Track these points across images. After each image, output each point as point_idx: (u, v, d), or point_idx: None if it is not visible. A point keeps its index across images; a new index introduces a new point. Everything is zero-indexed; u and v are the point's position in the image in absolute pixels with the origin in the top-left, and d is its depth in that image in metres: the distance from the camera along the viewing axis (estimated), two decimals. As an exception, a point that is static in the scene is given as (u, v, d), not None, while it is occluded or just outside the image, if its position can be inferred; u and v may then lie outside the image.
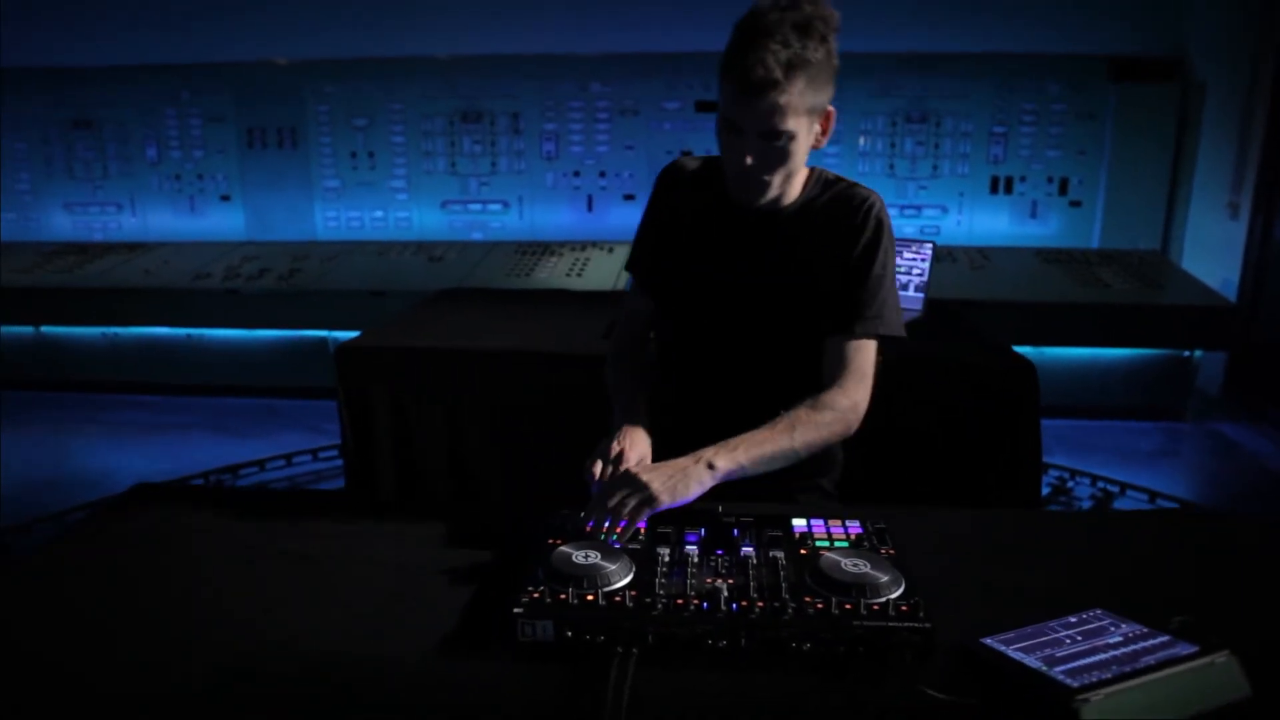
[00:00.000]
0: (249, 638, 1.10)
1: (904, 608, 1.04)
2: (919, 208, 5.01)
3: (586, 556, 1.15)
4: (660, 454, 1.43)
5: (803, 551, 1.20)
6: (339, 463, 3.76)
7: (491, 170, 5.22)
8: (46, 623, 1.15)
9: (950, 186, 4.97)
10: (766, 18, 1.33)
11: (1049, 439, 2.46)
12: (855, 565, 1.11)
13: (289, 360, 4.83)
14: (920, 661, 1.01)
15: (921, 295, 2.90)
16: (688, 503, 1.31)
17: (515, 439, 2.48)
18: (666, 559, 1.17)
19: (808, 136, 1.42)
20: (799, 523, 1.29)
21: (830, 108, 1.43)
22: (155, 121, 5.32)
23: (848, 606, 1.04)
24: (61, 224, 5.51)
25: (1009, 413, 2.36)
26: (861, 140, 4.97)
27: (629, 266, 1.72)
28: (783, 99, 1.33)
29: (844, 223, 1.51)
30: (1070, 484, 3.66)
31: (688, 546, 1.21)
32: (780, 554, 1.18)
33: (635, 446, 1.43)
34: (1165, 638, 1.00)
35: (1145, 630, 1.02)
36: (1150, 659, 0.96)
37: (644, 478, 1.29)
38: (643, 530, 1.27)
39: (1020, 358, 2.41)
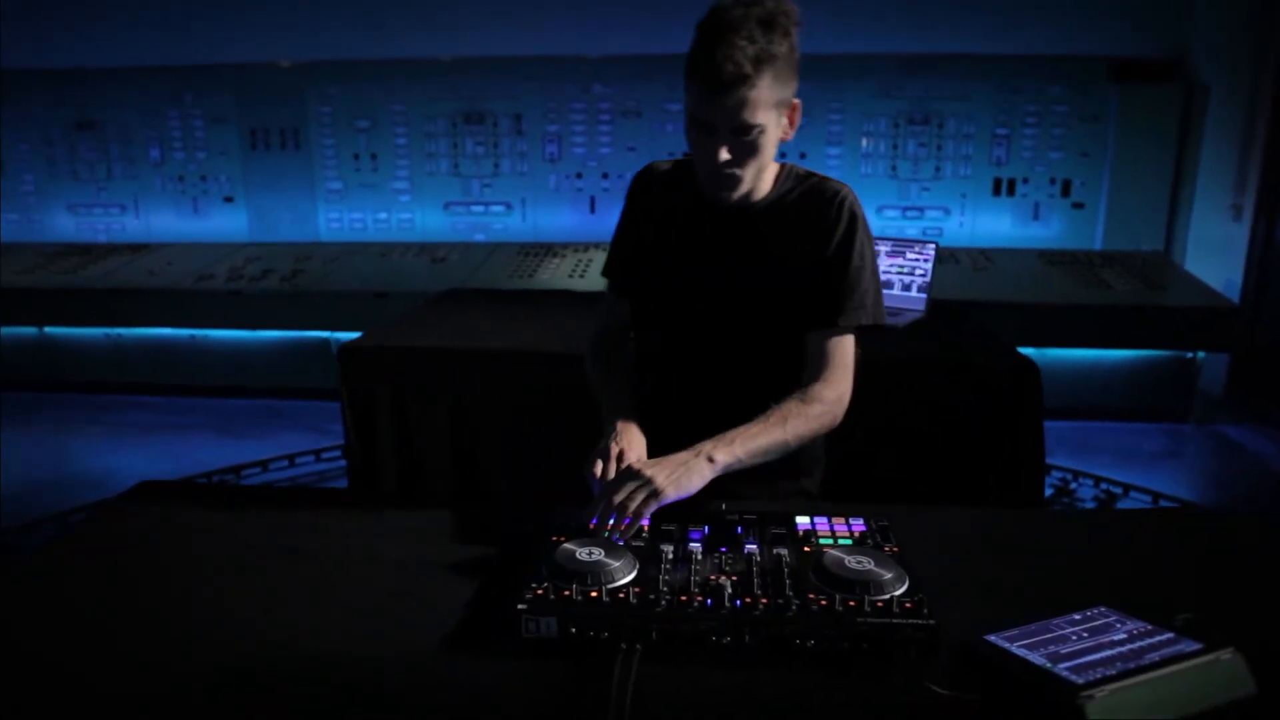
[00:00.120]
0: (251, 636, 1.10)
1: (908, 605, 1.04)
2: (921, 209, 5.01)
3: (590, 553, 1.15)
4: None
5: (806, 549, 1.20)
6: (342, 463, 3.77)
7: (494, 172, 5.22)
8: (46, 623, 1.14)
9: (952, 188, 4.97)
10: (730, 14, 1.35)
11: (1051, 440, 2.45)
12: (859, 562, 1.11)
13: (292, 361, 4.84)
14: (924, 658, 1.01)
15: (924, 296, 2.90)
16: (689, 495, 1.32)
17: (518, 439, 2.49)
18: (670, 556, 1.17)
19: (776, 129, 1.44)
20: (803, 520, 1.29)
21: (796, 100, 1.46)
22: (158, 123, 5.33)
23: (852, 603, 1.04)
24: (65, 225, 5.52)
25: (1012, 413, 2.36)
26: (864, 142, 4.97)
27: (605, 273, 1.73)
28: (753, 94, 1.35)
29: (817, 217, 1.53)
30: (1073, 485, 3.66)
31: (691, 544, 1.21)
32: (784, 551, 1.18)
33: (633, 445, 1.44)
34: (1169, 635, 1.00)
35: (1149, 628, 1.02)
36: (1154, 656, 0.95)
37: (648, 472, 1.30)
38: (645, 528, 1.27)
39: (1023, 358, 2.41)
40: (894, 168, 4.97)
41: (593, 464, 1.39)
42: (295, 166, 5.29)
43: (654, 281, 1.62)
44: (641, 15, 4.99)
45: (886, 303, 2.88)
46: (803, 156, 4.99)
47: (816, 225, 1.52)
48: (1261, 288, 4.44)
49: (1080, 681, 0.91)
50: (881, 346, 2.61)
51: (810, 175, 1.58)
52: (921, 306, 2.89)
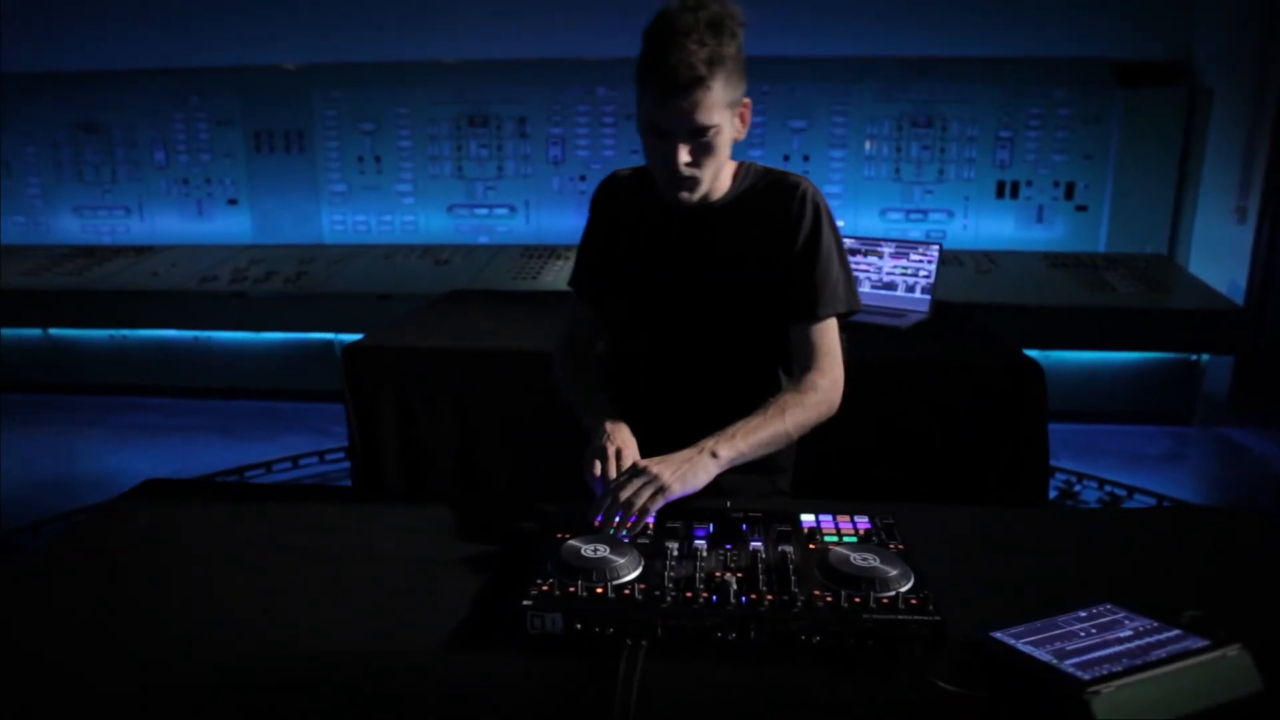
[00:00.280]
0: (254, 634, 1.10)
1: (913, 601, 1.04)
2: (925, 212, 5.01)
3: (595, 550, 1.15)
4: None
5: (811, 546, 1.20)
6: (345, 465, 3.77)
7: (498, 174, 5.23)
8: (47, 622, 1.14)
9: (956, 191, 4.97)
10: (680, 19, 1.36)
11: (1055, 443, 2.45)
12: (864, 559, 1.11)
13: (295, 363, 4.84)
14: (930, 655, 1.01)
15: (928, 297, 2.90)
16: (695, 491, 1.32)
17: (521, 438, 2.49)
18: (675, 553, 1.17)
19: (730, 129, 1.46)
20: (807, 518, 1.29)
21: (746, 99, 1.48)
22: (163, 125, 5.34)
23: (857, 600, 1.04)
24: (70, 227, 5.54)
25: (1016, 413, 2.36)
26: (867, 144, 4.97)
27: (571, 282, 1.74)
28: (707, 95, 1.38)
29: (781, 213, 1.54)
30: (1077, 488, 3.65)
31: (696, 541, 1.21)
32: (789, 548, 1.18)
33: (627, 443, 1.44)
34: (1176, 632, 1.00)
35: (1156, 624, 1.02)
36: (1161, 652, 0.95)
37: (653, 469, 1.31)
38: (651, 526, 1.27)
39: (1027, 358, 2.41)
40: (897, 170, 4.98)
41: (592, 465, 1.40)
42: (299, 169, 5.30)
43: (621, 288, 1.64)
44: (644, 18, 4.96)
45: (890, 304, 2.92)
46: (806, 159, 5.00)
47: (781, 221, 1.54)
48: (1265, 290, 4.44)
49: (1087, 678, 0.91)
50: (885, 347, 2.62)
51: (769, 171, 1.60)
52: (925, 308, 2.89)
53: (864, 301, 2.94)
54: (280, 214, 5.38)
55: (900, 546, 1.19)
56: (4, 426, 4.29)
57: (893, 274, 2.97)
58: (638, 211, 1.62)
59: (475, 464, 2.54)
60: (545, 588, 1.08)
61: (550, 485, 2.30)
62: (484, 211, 5.29)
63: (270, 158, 5.31)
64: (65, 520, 3.29)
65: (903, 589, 1.06)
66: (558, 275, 4.67)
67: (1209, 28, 4.69)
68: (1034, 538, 1.39)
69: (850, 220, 5.03)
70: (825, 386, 1.51)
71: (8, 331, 5.01)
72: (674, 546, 1.19)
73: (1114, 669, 0.92)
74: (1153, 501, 3.48)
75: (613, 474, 1.36)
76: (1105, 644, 0.98)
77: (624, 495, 1.27)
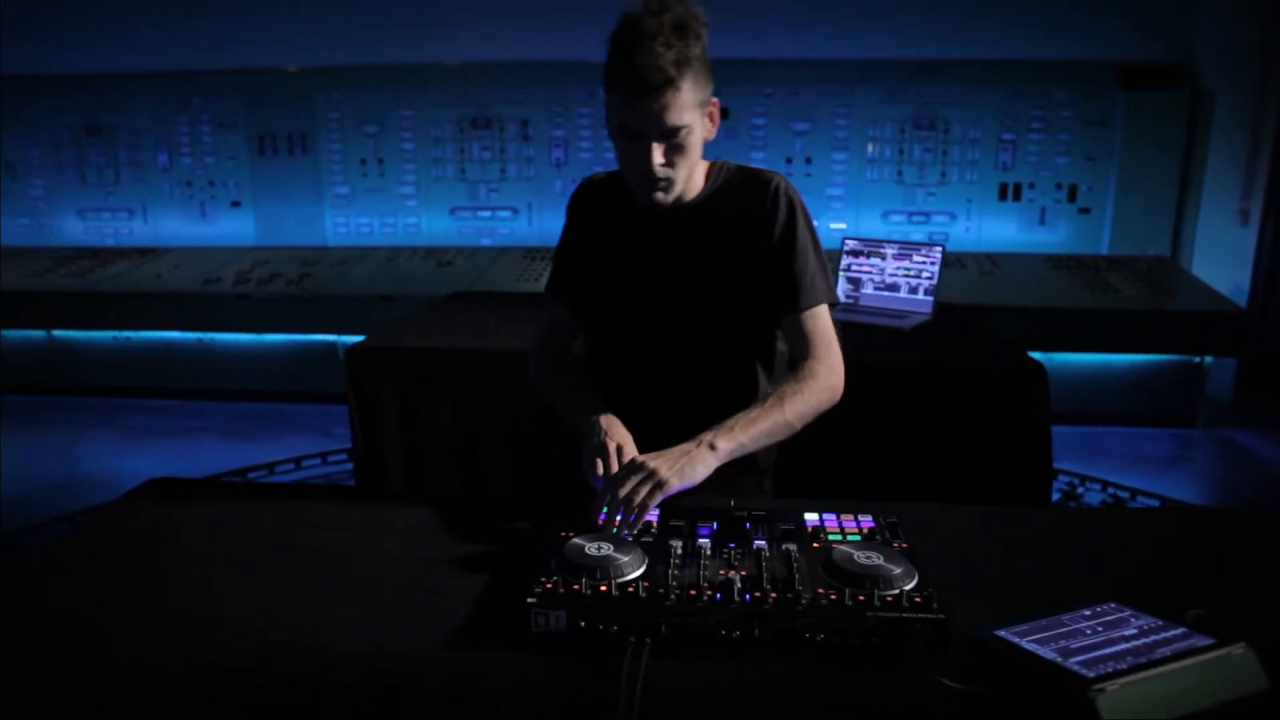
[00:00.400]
0: (258, 633, 1.09)
1: (918, 599, 1.04)
2: (927, 214, 5.01)
3: (599, 548, 1.15)
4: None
5: (815, 545, 1.20)
6: (348, 466, 3.77)
7: (501, 177, 5.24)
8: (49, 621, 1.14)
9: (959, 193, 4.97)
10: (645, 23, 1.37)
11: (1058, 445, 2.45)
12: (868, 557, 1.11)
13: (299, 365, 4.85)
14: (934, 653, 1.01)
15: (931, 299, 2.90)
16: (694, 485, 1.33)
17: (523, 439, 2.49)
18: (679, 551, 1.17)
19: (701, 129, 1.48)
20: (811, 517, 1.29)
21: (714, 99, 1.49)
22: (167, 128, 5.36)
23: (861, 598, 1.04)
24: (74, 229, 5.55)
25: (1019, 415, 2.35)
26: (870, 147, 4.97)
27: (548, 288, 1.75)
28: (677, 96, 1.39)
29: (754, 208, 1.55)
30: (1081, 490, 3.65)
31: (700, 539, 1.21)
32: (793, 547, 1.18)
33: (626, 439, 1.44)
34: (1181, 630, 1.00)
35: (1161, 623, 1.02)
36: (1166, 651, 0.95)
37: (651, 464, 1.31)
38: (655, 524, 1.27)
39: (1029, 359, 2.41)
40: (900, 173, 4.98)
41: (593, 463, 1.40)
42: (303, 171, 5.32)
43: (598, 291, 1.65)
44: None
45: (893, 306, 2.92)
46: (808, 161, 5.00)
47: (755, 216, 1.55)
48: (1269, 292, 4.43)
49: (1091, 676, 0.90)
50: (888, 348, 2.62)
51: (742, 169, 1.61)
52: (928, 309, 2.89)
53: (866, 303, 2.99)
54: (283, 216, 5.39)
55: (904, 545, 1.19)
56: (7, 428, 4.30)
57: (895, 275, 2.97)
58: (613, 214, 1.63)
59: (477, 464, 2.54)
60: (549, 586, 1.08)
61: (552, 485, 2.31)
62: (487, 214, 5.30)
63: (273, 160, 5.32)
64: (68, 521, 3.30)
65: (907, 587, 1.06)
66: (560, 277, 4.67)
67: (1211, 30, 4.69)
68: (1038, 537, 1.38)
69: (852, 223, 5.04)
70: (823, 373, 1.51)
71: (11, 333, 5.02)
72: (678, 545, 1.19)
73: (1119, 667, 0.92)
74: (1156, 504, 3.48)
75: (615, 470, 1.36)
76: (1110, 642, 0.98)
77: (622, 493, 1.27)
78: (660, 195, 1.50)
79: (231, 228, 5.44)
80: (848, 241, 3.10)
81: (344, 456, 3.91)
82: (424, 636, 1.07)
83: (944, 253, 2.93)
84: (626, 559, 1.12)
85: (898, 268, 2.97)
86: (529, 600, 1.05)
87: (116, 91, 5.33)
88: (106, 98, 5.35)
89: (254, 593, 1.19)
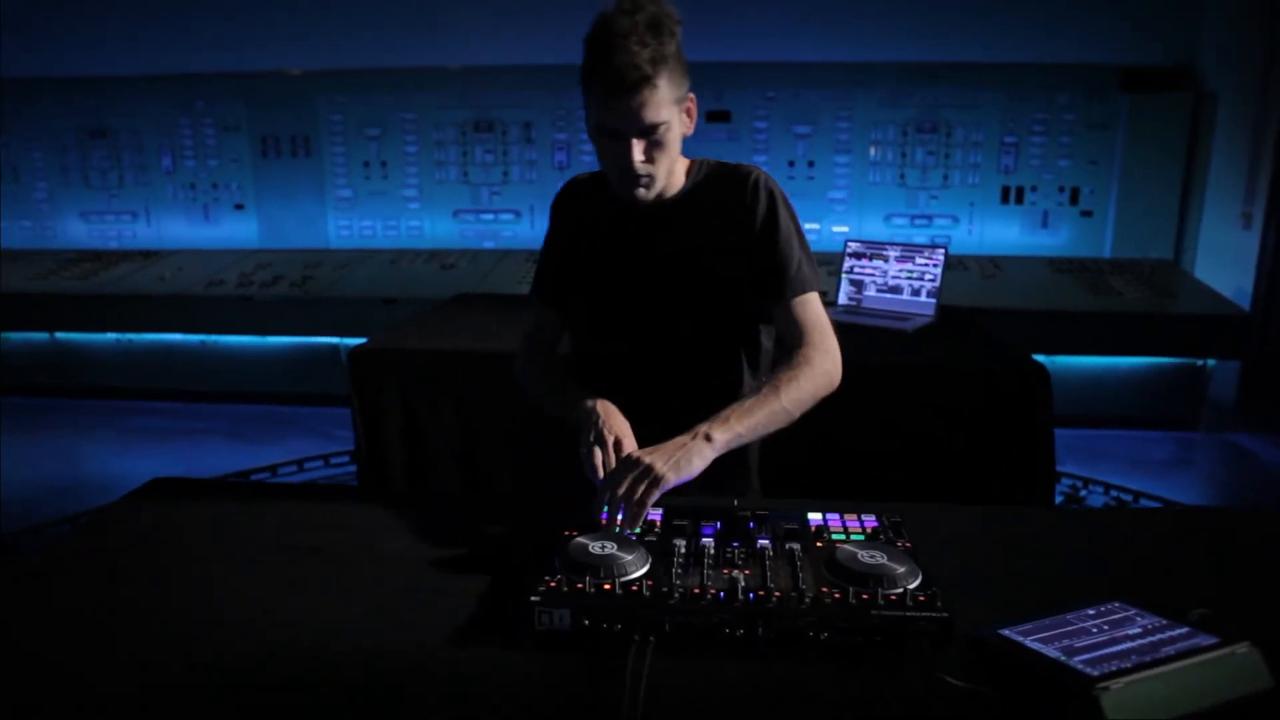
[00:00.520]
0: (259, 632, 1.09)
1: (921, 598, 1.04)
2: (930, 217, 5.01)
3: (603, 547, 1.15)
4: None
5: (819, 544, 1.20)
6: (351, 469, 3.78)
7: (503, 180, 5.25)
8: (48, 622, 1.14)
9: (961, 196, 4.97)
10: (619, 23, 1.38)
11: (1061, 448, 2.45)
12: (872, 556, 1.11)
13: (301, 367, 4.86)
14: (938, 651, 1.01)
15: (934, 301, 2.90)
16: (692, 478, 1.32)
17: (525, 440, 2.49)
18: (683, 551, 1.17)
19: (679, 125, 1.49)
20: (814, 516, 1.29)
21: (691, 95, 1.51)
22: (170, 131, 5.37)
23: (865, 597, 1.04)
24: (77, 232, 5.56)
25: (1022, 417, 2.35)
26: (872, 150, 4.98)
27: (533, 289, 1.75)
28: (655, 94, 1.40)
29: (734, 201, 1.56)
30: (1083, 493, 3.64)
31: (704, 539, 1.21)
32: (796, 546, 1.18)
33: (624, 430, 1.44)
34: (1185, 629, 0.99)
35: (1165, 622, 1.02)
36: (1170, 649, 0.95)
37: (647, 460, 1.30)
38: (658, 524, 1.27)
39: (1032, 362, 2.41)
40: (902, 176, 4.98)
41: (591, 454, 1.39)
42: (305, 174, 5.33)
43: (582, 290, 1.65)
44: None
45: (895, 308, 2.92)
46: (811, 164, 5.01)
47: (736, 209, 1.55)
48: (1272, 295, 4.43)
49: (1096, 674, 0.90)
50: (890, 350, 2.62)
51: (722, 164, 1.62)
52: (930, 312, 2.89)
53: (869, 305, 2.98)
54: (286, 219, 5.40)
55: (907, 545, 1.19)
56: (10, 430, 4.30)
57: (898, 278, 2.97)
58: (596, 214, 1.63)
59: (479, 466, 2.54)
60: (553, 584, 1.08)
61: (553, 486, 2.32)
62: (489, 217, 5.31)
63: (276, 163, 5.33)
64: (70, 523, 3.30)
65: (910, 586, 1.06)
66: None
67: (1214, 33, 4.69)
68: (1041, 537, 1.38)
69: (854, 226, 5.04)
70: (817, 359, 1.50)
71: (15, 335, 5.03)
72: (681, 544, 1.19)
73: (1123, 666, 0.92)
74: (1159, 506, 3.47)
75: (613, 463, 1.36)
76: (1114, 641, 0.98)
77: (620, 491, 1.27)
78: (642, 192, 1.51)
79: (234, 230, 5.45)
80: (850, 244, 3.10)
81: (346, 459, 3.92)
82: (427, 635, 1.07)
83: (946, 255, 2.93)
84: (630, 558, 1.13)
85: (900, 270, 2.97)
86: (533, 599, 1.05)
87: (120, 94, 5.35)
88: (110, 101, 5.36)
89: (255, 593, 1.19)
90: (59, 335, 5.03)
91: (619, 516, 1.25)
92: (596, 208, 1.63)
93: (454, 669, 1.01)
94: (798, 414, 1.47)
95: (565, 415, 1.55)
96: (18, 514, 3.41)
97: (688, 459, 1.32)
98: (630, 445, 1.41)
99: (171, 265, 5.11)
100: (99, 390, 4.98)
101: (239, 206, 5.42)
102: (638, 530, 1.25)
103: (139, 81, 5.32)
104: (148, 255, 5.32)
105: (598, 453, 1.38)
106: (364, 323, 4.30)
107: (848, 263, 3.08)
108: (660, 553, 1.17)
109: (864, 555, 1.11)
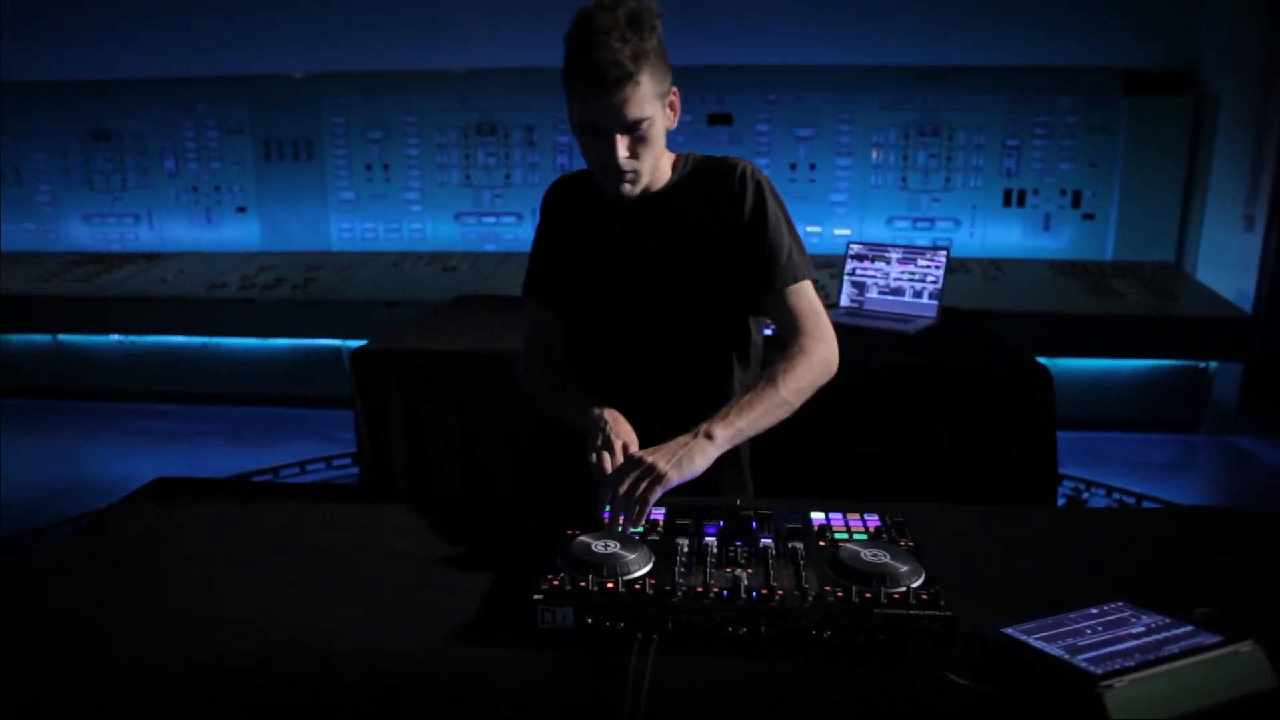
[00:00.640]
0: (262, 631, 1.09)
1: (924, 596, 1.04)
2: (932, 220, 5.01)
3: (606, 546, 1.15)
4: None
5: (821, 543, 1.20)
6: (353, 471, 3.78)
7: (505, 182, 5.26)
8: (50, 622, 1.13)
9: (963, 199, 4.98)
10: (599, 20, 1.38)
11: (1063, 451, 2.45)
12: (875, 555, 1.11)
13: (303, 369, 4.86)
14: (941, 650, 1.01)
15: (936, 303, 2.90)
16: (694, 477, 1.33)
17: (527, 441, 2.49)
18: (685, 549, 1.17)
19: (663, 120, 1.48)
20: (817, 516, 1.29)
21: (674, 89, 1.49)
22: (172, 133, 5.39)
23: (868, 595, 1.04)
24: (80, 234, 5.57)
25: (1024, 419, 2.35)
26: (874, 153, 4.98)
27: (525, 289, 1.75)
28: (637, 90, 1.40)
29: (721, 193, 1.55)
30: (1085, 495, 3.64)
31: (706, 538, 1.21)
32: (799, 545, 1.18)
33: (630, 435, 1.44)
34: (1188, 628, 0.99)
35: (1168, 621, 1.01)
36: (1174, 648, 0.95)
37: (649, 459, 1.30)
38: (661, 523, 1.27)
39: (1035, 364, 2.41)
40: (904, 179, 4.99)
41: (599, 458, 1.39)
42: (308, 177, 5.34)
43: (572, 287, 1.65)
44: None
45: (897, 310, 2.92)
46: (813, 167, 5.01)
47: (723, 200, 1.55)
48: (1274, 297, 4.43)
49: (1099, 672, 0.90)
50: (892, 352, 2.62)
51: (708, 158, 1.61)
52: (933, 313, 2.89)
53: (871, 307, 2.98)
54: (289, 221, 5.41)
55: (910, 544, 1.19)
56: (13, 431, 4.31)
57: (900, 279, 2.97)
58: (583, 211, 1.63)
59: (481, 467, 2.54)
60: (556, 583, 1.08)
61: (555, 487, 2.32)
62: (491, 219, 5.31)
63: (279, 165, 5.34)
64: (72, 525, 3.30)
65: (914, 584, 1.06)
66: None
67: (1215, 35, 4.69)
68: (1043, 537, 1.38)
69: (856, 229, 5.04)
70: (813, 347, 1.50)
71: (17, 337, 5.04)
72: (684, 543, 1.19)
73: (1126, 664, 0.92)
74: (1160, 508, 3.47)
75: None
76: (1117, 639, 0.97)
77: (622, 489, 1.27)
78: (627, 188, 1.50)
79: (237, 233, 5.45)
80: (852, 246, 3.10)
81: (348, 461, 3.92)
82: (429, 634, 1.07)
83: (948, 257, 2.93)
84: (633, 557, 1.13)
85: (902, 272, 2.97)
86: (536, 597, 1.05)
87: (122, 97, 5.36)
88: (112, 103, 5.37)
89: (255, 592, 1.19)
90: (61, 337, 5.04)
91: (621, 516, 1.25)
92: (584, 205, 1.63)
93: (456, 668, 1.01)
94: (798, 403, 1.46)
95: (567, 417, 1.55)
96: (19, 516, 3.41)
97: (690, 458, 1.32)
98: (632, 446, 1.41)
99: (174, 267, 5.12)
100: (101, 392, 4.99)
101: (241, 209, 5.43)
102: (640, 529, 1.25)
103: (142, 84, 5.33)
104: (150, 258, 5.33)
105: (606, 458, 1.39)
106: (366, 325, 4.30)
107: (850, 264, 3.08)
108: (663, 552, 1.17)
109: (867, 554, 1.11)
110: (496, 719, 0.93)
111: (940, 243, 4.98)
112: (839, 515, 1.29)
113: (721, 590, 1.06)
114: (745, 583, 1.07)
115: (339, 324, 4.65)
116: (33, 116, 5.40)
